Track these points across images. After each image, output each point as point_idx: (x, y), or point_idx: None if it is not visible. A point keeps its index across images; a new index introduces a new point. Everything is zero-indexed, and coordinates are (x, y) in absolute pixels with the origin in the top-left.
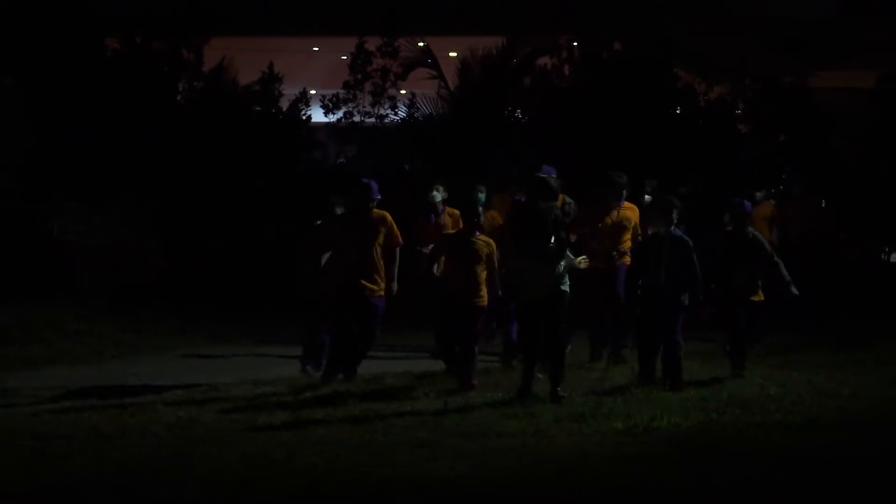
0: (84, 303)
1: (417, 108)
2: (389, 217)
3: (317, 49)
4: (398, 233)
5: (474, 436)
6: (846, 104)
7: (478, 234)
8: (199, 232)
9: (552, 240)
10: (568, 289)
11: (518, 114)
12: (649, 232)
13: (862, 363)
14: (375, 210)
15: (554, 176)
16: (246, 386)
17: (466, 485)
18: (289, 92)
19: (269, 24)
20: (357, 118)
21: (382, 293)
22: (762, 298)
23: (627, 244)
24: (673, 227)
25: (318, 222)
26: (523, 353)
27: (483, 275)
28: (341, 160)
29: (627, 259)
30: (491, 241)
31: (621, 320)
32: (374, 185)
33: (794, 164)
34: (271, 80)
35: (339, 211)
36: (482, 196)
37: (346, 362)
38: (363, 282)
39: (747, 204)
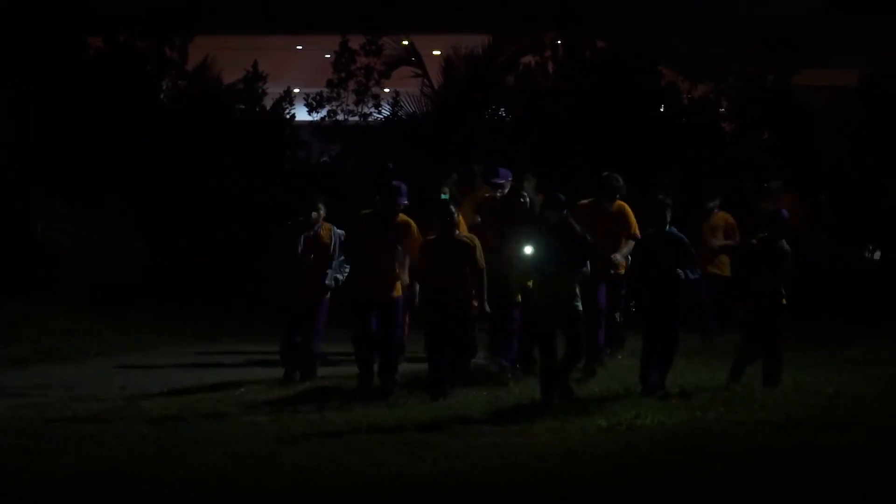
0: (69, 302)
1: (401, 107)
2: (414, 225)
3: (300, 47)
4: (417, 244)
5: (458, 434)
6: (830, 102)
7: (457, 233)
8: (184, 231)
9: (564, 253)
10: (580, 305)
11: (502, 112)
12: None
13: (846, 362)
14: (401, 215)
15: (510, 179)
16: (230, 384)
17: (451, 482)
18: (273, 90)
19: (253, 23)
20: (341, 116)
21: (399, 294)
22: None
23: (623, 244)
24: (668, 227)
25: (290, 223)
26: (542, 365)
27: (469, 276)
28: (325, 159)
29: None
30: (474, 237)
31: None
32: (404, 189)
33: (774, 161)
34: (255, 78)
35: (322, 212)
36: (445, 197)
37: (383, 378)
38: (380, 288)
39: (784, 213)
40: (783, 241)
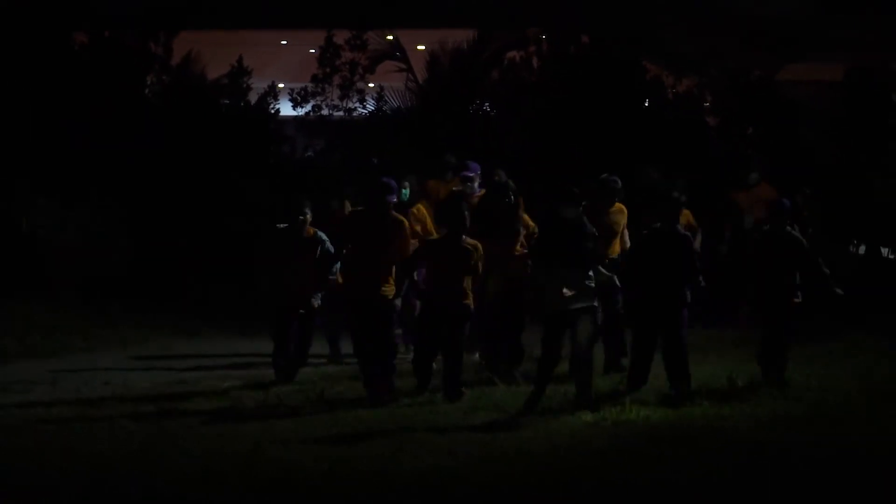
0: (54, 297)
1: (386, 102)
2: (406, 223)
3: (285, 42)
4: (409, 244)
5: (442, 429)
6: (815, 97)
7: (465, 238)
8: (169, 226)
9: (580, 250)
10: (597, 303)
11: (487, 107)
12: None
13: (831, 356)
14: (393, 213)
15: (479, 173)
16: (214, 380)
17: (436, 478)
18: (257, 85)
19: (238, 18)
20: (325, 111)
21: (392, 297)
22: (800, 300)
23: (616, 248)
24: (677, 226)
25: (277, 226)
26: (540, 366)
27: (469, 281)
28: (309, 154)
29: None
30: (478, 244)
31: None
32: (394, 185)
33: (759, 155)
34: (240, 73)
35: (309, 216)
36: (406, 192)
37: (375, 380)
38: (374, 288)
39: (786, 202)
40: (787, 228)
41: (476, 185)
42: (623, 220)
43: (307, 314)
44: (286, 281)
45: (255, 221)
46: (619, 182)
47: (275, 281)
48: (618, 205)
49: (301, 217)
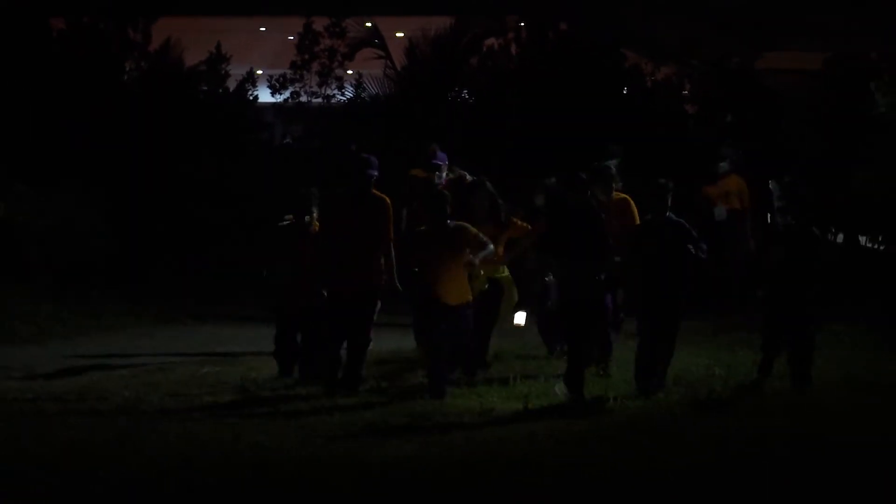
0: (31, 283)
1: (364, 89)
2: (389, 202)
3: (264, 29)
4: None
5: (421, 416)
6: (794, 86)
7: (448, 222)
8: (148, 213)
9: (590, 238)
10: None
11: (465, 94)
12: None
13: None
14: (376, 192)
15: (446, 163)
16: (192, 366)
17: (414, 465)
18: (236, 72)
19: (217, 4)
20: (304, 98)
21: (379, 288)
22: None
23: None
24: (668, 213)
25: (283, 222)
26: (571, 357)
27: (465, 267)
28: (287, 140)
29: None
30: (462, 223)
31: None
32: (374, 161)
33: (727, 142)
34: (218, 60)
35: (316, 212)
36: None
37: (346, 374)
38: (358, 275)
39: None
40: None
41: (444, 174)
42: (628, 210)
43: (317, 310)
44: (288, 280)
45: (233, 208)
46: (614, 168)
47: (279, 278)
48: (619, 194)
49: (307, 216)
